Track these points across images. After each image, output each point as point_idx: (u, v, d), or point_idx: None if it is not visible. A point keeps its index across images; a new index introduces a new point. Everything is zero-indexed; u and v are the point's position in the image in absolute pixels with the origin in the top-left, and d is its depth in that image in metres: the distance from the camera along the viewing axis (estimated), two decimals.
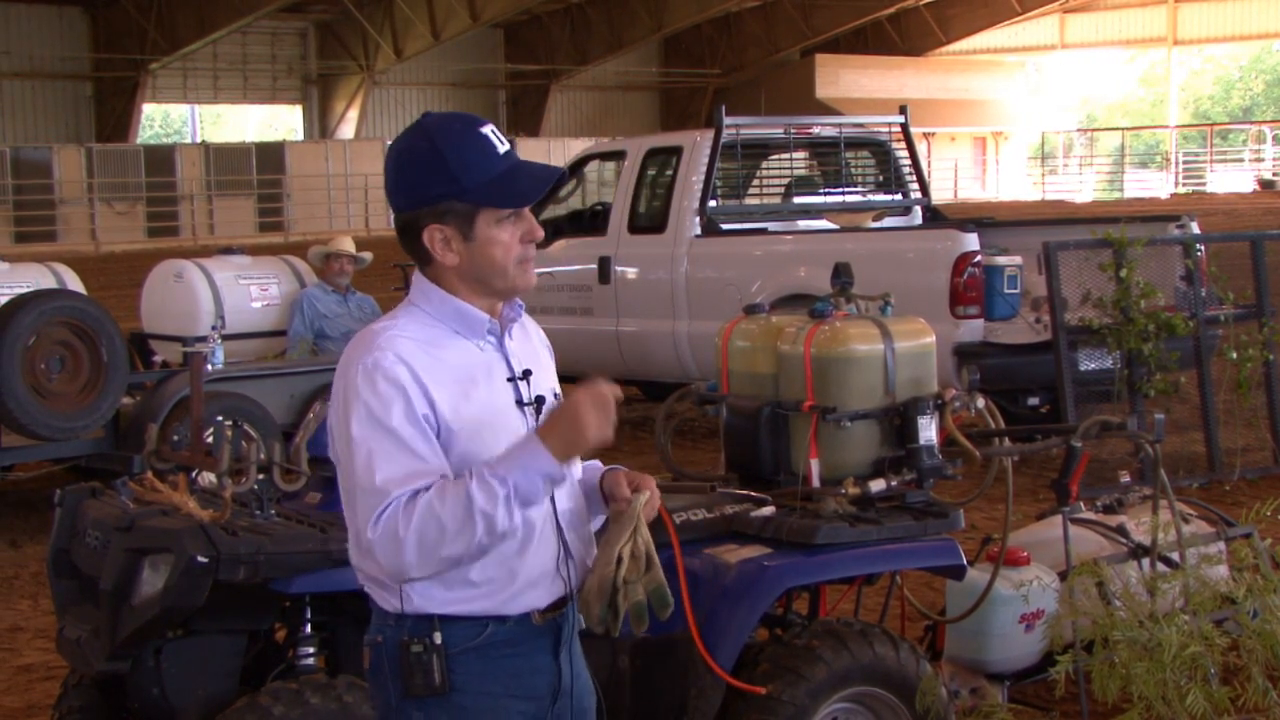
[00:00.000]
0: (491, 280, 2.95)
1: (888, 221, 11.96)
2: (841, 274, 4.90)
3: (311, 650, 4.42)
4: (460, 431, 2.87)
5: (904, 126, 11.97)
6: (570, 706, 3.06)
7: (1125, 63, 70.44)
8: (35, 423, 8.31)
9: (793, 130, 12.00)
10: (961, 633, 5.26)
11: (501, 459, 2.81)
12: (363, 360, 2.86)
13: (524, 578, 2.93)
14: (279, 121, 57.27)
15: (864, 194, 12.23)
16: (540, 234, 3.02)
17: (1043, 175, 57.81)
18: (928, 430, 4.54)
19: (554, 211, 12.25)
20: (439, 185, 2.89)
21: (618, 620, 2.96)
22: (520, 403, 2.98)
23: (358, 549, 2.88)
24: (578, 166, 12.43)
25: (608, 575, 2.94)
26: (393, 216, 3.03)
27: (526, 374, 3.00)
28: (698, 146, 11.19)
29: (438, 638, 2.89)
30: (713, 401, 4.97)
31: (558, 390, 3.11)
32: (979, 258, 9.48)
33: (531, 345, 3.10)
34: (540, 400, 3.00)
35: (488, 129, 2.94)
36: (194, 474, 5.18)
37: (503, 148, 2.93)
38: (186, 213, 39.04)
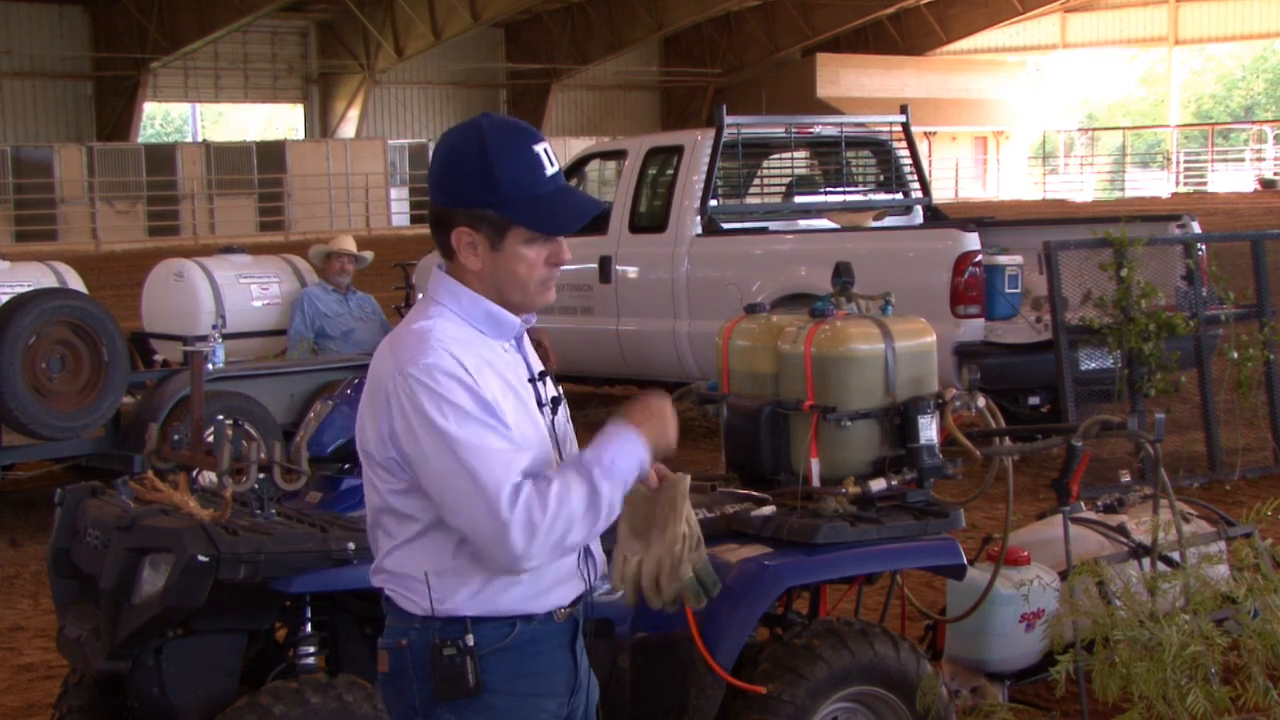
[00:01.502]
0: (509, 294, 2.95)
1: (888, 221, 11.96)
2: (842, 273, 4.89)
3: (312, 650, 4.42)
4: (513, 430, 2.89)
5: (905, 126, 11.97)
6: (585, 700, 3.11)
7: (1126, 62, 70.43)
8: (36, 422, 8.31)
9: (794, 130, 11.99)
10: (962, 632, 5.26)
11: (607, 448, 2.89)
12: (420, 361, 2.84)
13: (552, 576, 2.96)
14: (280, 121, 57.29)
15: (865, 193, 12.23)
16: (567, 258, 2.99)
17: (1044, 175, 57.81)
18: (928, 430, 4.54)
19: None
20: (479, 192, 2.87)
21: (673, 600, 3.03)
22: (540, 403, 3.00)
23: (483, 538, 2.82)
24: (578, 166, 12.43)
25: (677, 554, 2.99)
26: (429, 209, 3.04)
27: (543, 375, 3.04)
28: (698, 146, 11.19)
29: (470, 639, 2.90)
30: (713, 401, 4.97)
31: (560, 391, 3.13)
32: (980, 257, 9.48)
33: (533, 351, 3.14)
34: (556, 401, 3.04)
35: (540, 147, 2.92)
36: (194, 473, 5.18)
37: (551, 169, 2.91)
38: (187, 212, 39.03)
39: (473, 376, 2.84)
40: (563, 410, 3.07)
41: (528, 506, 2.79)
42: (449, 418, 2.81)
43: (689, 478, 3.05)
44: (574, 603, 3.02)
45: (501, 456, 2.82)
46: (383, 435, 2.89)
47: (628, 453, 2.88)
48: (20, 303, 8.41)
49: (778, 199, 12.30)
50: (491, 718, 2.94)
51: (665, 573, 2.99)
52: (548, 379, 3.05)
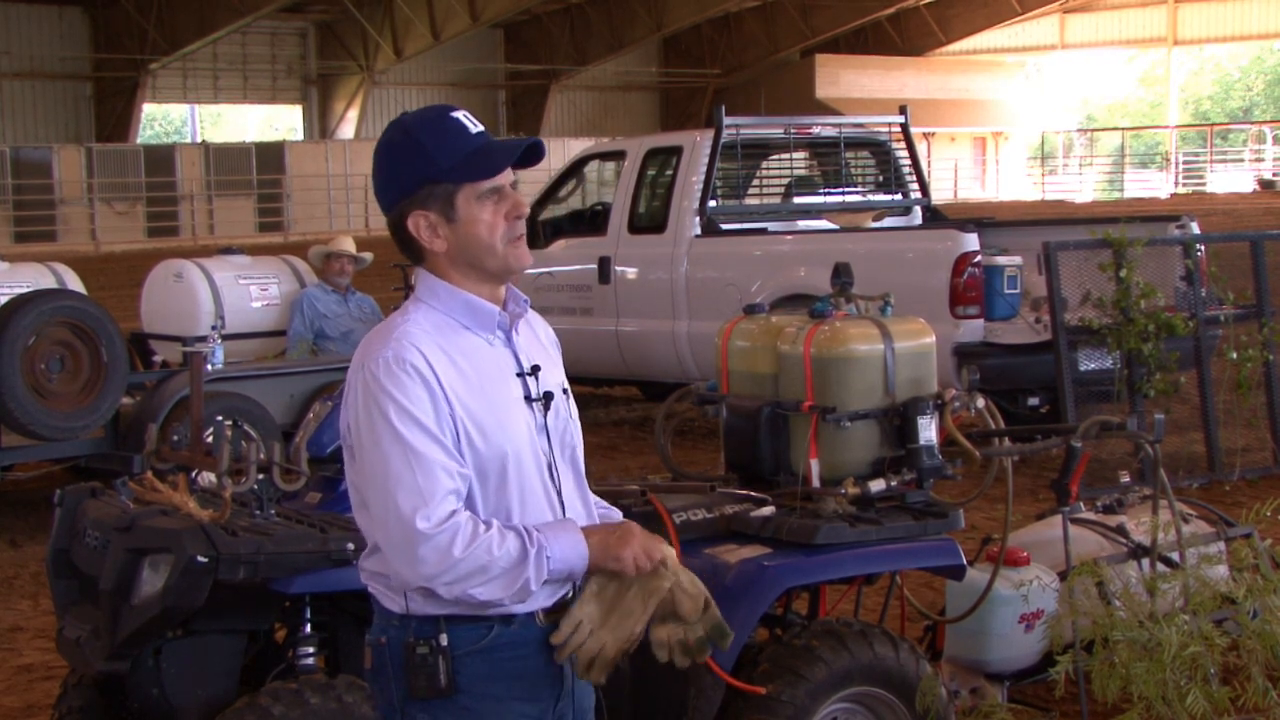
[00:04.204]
0: (483, 261, 2.96)
1: (888, 221, 11.97)
2: (841, 274, 4.90)
3: (311, 650, 4.42)
4: (473, 428, 2.87)
5: (904, 126, 11.97)
6: (572, 707, 3.06)
7: (1125, 63, 70.41)
8: (35, 422, 8.31)
9: (793, 130, 12.00)
10: (961, 633, 5.26)
11: (561, 536, 2.89)
12: (381, 354, 2.86)
13: None
14: (279, 121, 57.25)
15: (864, 194, 12.23)
16: (526, 208, 3.03)
17: (1043, 175, 57.80)
18: (928, 430, 4.54)
19: (554, 211, 12.26)
20: (418, 170, 2.93)
21: (689, 658, 3.05)
22: (529, 398, 2.98)
23: (390, 540, 2.84)
24: (578, 166, 12.43)
25: (622, 650, 2.97)
26: (386, 222, 3.05)
27: (535, 369, 3.01)
28: (698, 146, 11.19)
29: (443, 639, 2.88)
30: (713, 401, 4.97)
31: (567, 385, 3.11)
32: (979, 258, 9.49)
33: (539, 342, 3.11)
34: (549, 396, 3.01)
35: (459, 113, 2.99)
36: (194, 474, 5.18)
37: (475, 128, 2.97)
38: (186, 213, 39.04)
39: (435, 375, 2.85)
40: (562, 406, 3.04)
41: (454, 532, 2.79)
42: (393, 414, 2.82)
43: (668, 583, 2.99)
44: (556, 607, 2.98)
45: (437, 466, 2.81)
46: (345, 427, 2.93)
47: (569, 550, 2.88)
48: (20, 303, 8.41)
49: (777, 199, 12.30)
50: (465, 719, 2.92)
51: (603, 660, 2.95)
52: (541, 374, 3.01)
